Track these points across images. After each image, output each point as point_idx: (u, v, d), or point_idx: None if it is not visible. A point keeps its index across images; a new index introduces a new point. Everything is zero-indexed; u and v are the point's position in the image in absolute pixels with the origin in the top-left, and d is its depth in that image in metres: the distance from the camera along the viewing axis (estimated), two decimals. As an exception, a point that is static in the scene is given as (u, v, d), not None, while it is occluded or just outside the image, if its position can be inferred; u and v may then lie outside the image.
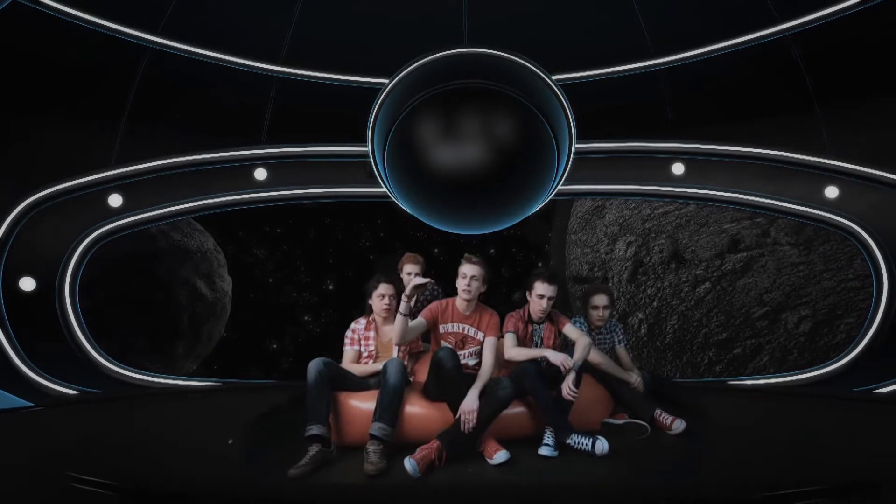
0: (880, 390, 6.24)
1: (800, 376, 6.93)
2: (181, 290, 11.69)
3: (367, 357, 4.66)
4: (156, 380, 6.89)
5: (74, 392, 6.23)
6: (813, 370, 6.90)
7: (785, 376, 7.02)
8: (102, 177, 7.05)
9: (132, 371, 6.88)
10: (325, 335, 13.24)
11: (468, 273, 4.49)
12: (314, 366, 4.17)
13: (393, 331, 4.36)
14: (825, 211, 7.10)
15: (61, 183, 6.84)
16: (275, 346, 13.68)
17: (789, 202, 7.24)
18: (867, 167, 6.83)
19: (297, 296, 13.81)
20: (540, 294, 4.51)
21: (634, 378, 4.75)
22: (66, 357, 6.67)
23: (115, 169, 7.08)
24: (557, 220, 15.88)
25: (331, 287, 13.91)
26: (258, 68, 7.40)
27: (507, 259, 14.22)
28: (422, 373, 4.58)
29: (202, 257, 12.47)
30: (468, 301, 4.53)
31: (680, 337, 12.75)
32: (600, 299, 5.00)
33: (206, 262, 12.56)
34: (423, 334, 4.78)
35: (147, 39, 6.88)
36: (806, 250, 11.60)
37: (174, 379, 6.99)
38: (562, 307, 4.79)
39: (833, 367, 6.81)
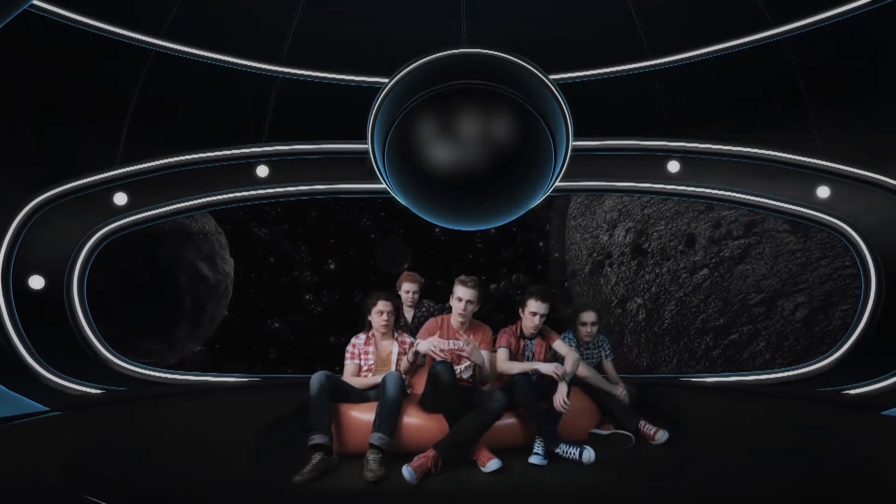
0: (866, 389, 6.40)
1: (786, 374, 7.10)
2: (183, 272, 11.79)
3: (366, 370, 4.84)
4: (165, 376, 7.09)
5: (83, 390, 6.37)
6: (799, 368, 7.07)
7: (771, 373, 7.19)
8: (107, 176, 7.16)
9: (141, 367, 7.06)
10: (326, 314, 13.38)
11: (464, 297, 4.65)
12: (316, 379, 4.36)
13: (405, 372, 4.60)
14: (816, 210, 7.21)
15: (67, 182, 6.95)
16: (276, 325, 13.83)
17: (781, 201, 7.35)
18: (858, 168, 6.92)
19: (299, 275, 13.91)
20: (533, 311, 4.69)
21: (620, 391, 4.94)
22: (75, 354, 6.83)
23: (119, 168, 7.19)
24: (558, 202, 15.93)
25: (332, 267, 14.01)
26: (260, 69, 7.48)
27: (507, 239, 14.31)
28: (419, 385, 4.76)
29: (204, 239, 12.53)
30: (462, 322, 4.71)
31: (678, 322, 12.88)
32: (588, 316, 5.20)
33: (208, 244, 12.63)
34: None
35: (150, 42, 6.96)
36: (803, 237, 11.65)
37: (182, 374, 7.20)
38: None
39: (820, 364, 6.97)
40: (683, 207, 13.50)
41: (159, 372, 7.14)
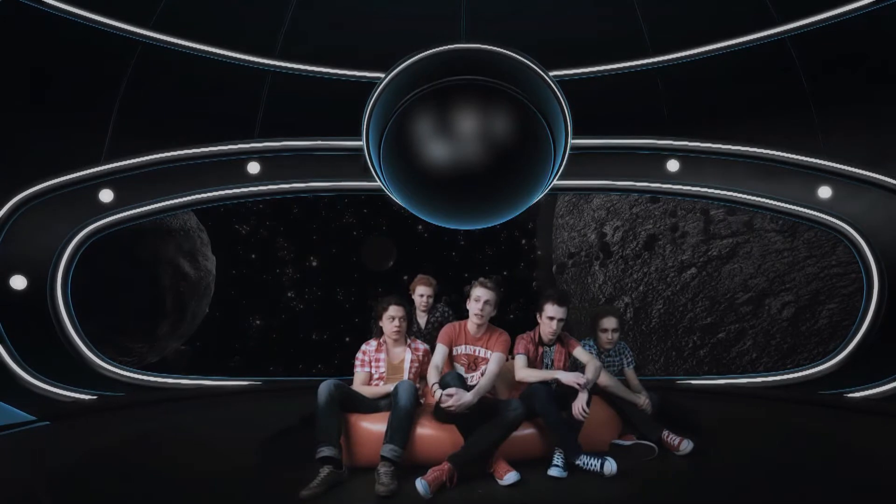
0: (870, 392, 6.38)
1: (789, 375, 7.06)
2: (165, 269, 11.56)
3: (377, 379, 4.66)
4: (154, 379, 6.88)
5: (73, 397, 6.16)
6: (802, 370, 7.04)
7: (777, 375, 7.15)
8: (93, 172, 6.95)
9: (126, 370, 6.85)
10: (308, 312, 13.21)
11: (482, 297, 4.50)
12: (325, 388, 4.16)
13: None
14: (818, 211, 7.17)
15: (51, 179, 6.74)
16: (258, 322, 13.63)
17: (782, 201, 7.30)
18: (860, 168, 6.89)
19: (280, 272, 13.72)
20: (550, 316, 4.53)
21: (642, 400, 4.79)
22: (60, 358, 6.59)
23: (105, 164, 6.96)
24: (544, 199, 15.86)
25: (314, 263, 13.85)
26: (252, 62, 7.27)
27: (490, 237, 14.23)
28: (432, 395, 4.57)
29: (185, 236, 12.31)
30: (479, 324, 4.55)
31: (665, 321, 12.90)
32: (609, 322, 5.05)
33: (190, 241, 12.41)
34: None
35: (138, 34, 6.73)
36: (790, 237, 11.70)
37: (176, 378, 6.99)
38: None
39: (825, 366, 6.94)
40: (671, 206, 13.51)
41: (152, 376, 6.92)
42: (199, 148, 7.25)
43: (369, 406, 4.45)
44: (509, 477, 4.01)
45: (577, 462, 4.14)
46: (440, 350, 4.55)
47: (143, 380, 6.83)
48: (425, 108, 4.19)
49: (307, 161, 7.52)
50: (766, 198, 7.35)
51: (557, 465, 4.17)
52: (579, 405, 4.19)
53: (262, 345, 12.89)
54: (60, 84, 6.73)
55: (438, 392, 4.12)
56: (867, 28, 6.62)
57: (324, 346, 12.27)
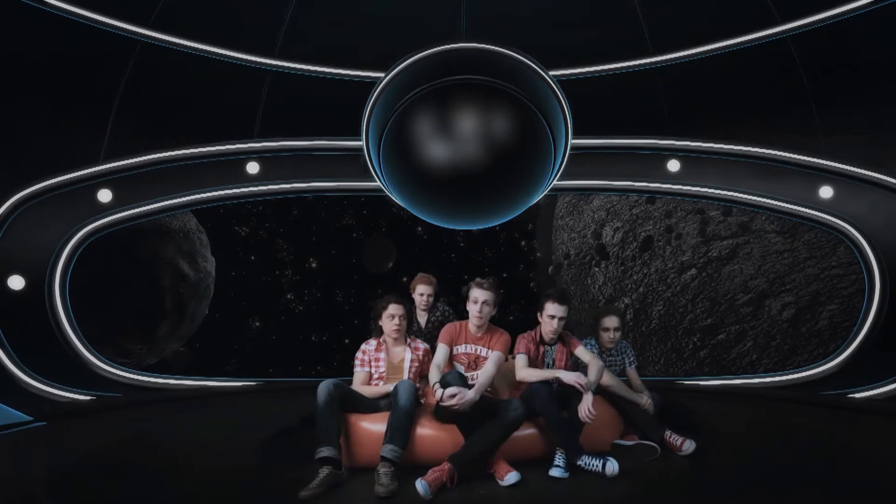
0: (874, 391, 6.37)
1: (791, 376, 7.05)
2: (164, 270, 11.53)
3: (377, 378, 4.63)
4: (152, 379, 6.83)
5: (70, 397, 6.13)
6: (804, 370, 7.02)
7: (778, 375, 7.13)
8: (91, 172, 6.93)
9: (124, 370, 6.81)
10: (307, 313, 13.19)
11: (480, 299, 4.48)
12: (324, 388, 4.13)
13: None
14: (819, 211, 7.15)
15: (49, 179, 6.71)
16: (258, 323, 13.60)
17: (784, 201, 7.28)
18: (862, 168, 6.87)
19: (280, 274, 13.70)
20: (551, 314, 4.50)
21: (645, 400, 4.76)
22: (58, 359, 6.56)
23: (104, 164, 6.94)
24: (544, 200, 15.82)
25: (314, 265, 13.82)
26: (252, 62, 7.25)
27: (490, 238, 14.20)
28: (432, 394, 4.54)
29: (185, 237, 12.28)
30: (479, 325, 4.53)
31: (665, 322, 12.86)
32: (611, 321, 5.02)
33: (189, 242, 12.38)
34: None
35: (138, 33, 6.71)
36: (791, 238, 11.67)
37: (174, 378, 6.95)
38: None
39: (826, 367, 6.93)
40: (672, 207, 13.48)
41: (150, 377, 6.88)
42: (198, 148, 7.23)
43: (369, 406, 4.42)
44: (510, 477, 3.99)
45: (579, 462, 4.11)
46: (441, 350, 4.53)
47: (141, 380, 6.80)
48: (425, 108, 4.19)
49: (307, 161, 7.50)
50: (767, 198, 7.34)
51: (559, 466, 4.14)
52: (585, 408, 4.15)
53: (261, 346, 12.87)
54: (60, 84, 6.69)
55: (440, 391, 4.09)
56: (867, 28, 6.60)
57: (323, 348, 12.24)
